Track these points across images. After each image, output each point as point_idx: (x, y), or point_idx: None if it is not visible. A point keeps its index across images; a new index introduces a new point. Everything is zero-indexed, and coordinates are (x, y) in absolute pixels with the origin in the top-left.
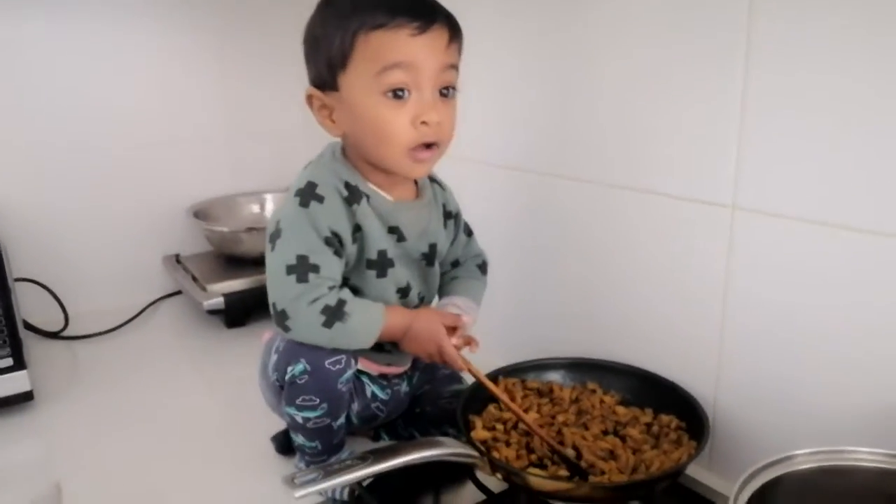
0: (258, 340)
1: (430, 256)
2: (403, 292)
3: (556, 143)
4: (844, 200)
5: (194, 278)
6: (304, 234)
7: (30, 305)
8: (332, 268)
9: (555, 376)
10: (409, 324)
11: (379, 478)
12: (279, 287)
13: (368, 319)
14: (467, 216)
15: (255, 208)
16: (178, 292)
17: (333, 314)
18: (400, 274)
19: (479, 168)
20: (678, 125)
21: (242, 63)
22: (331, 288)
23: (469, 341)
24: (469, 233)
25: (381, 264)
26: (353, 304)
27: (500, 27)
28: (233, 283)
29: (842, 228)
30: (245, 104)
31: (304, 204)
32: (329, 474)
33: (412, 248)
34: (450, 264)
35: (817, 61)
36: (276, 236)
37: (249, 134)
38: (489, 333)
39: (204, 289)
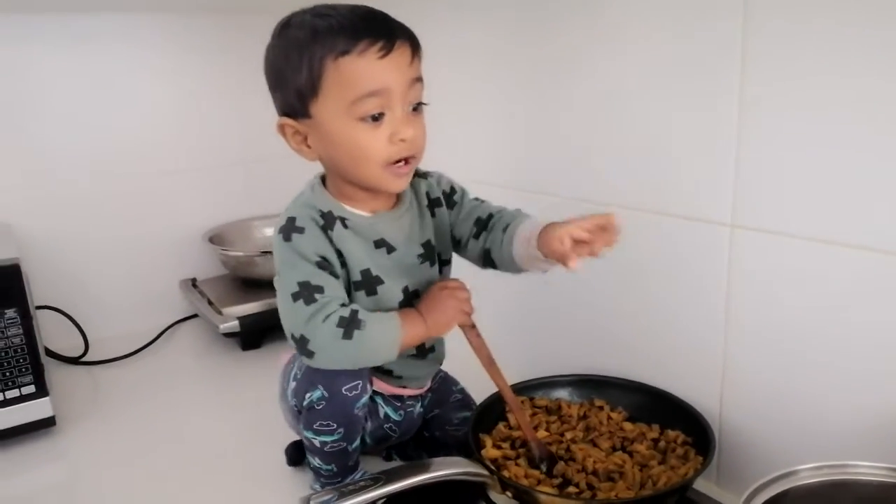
0: (273, 362)
1: (427, 255)
2: (406, 302)
3: (554, 161)
4: (844, 217)
5: (210, 302)
6: (297, 264)
7: (51, 332)
8: (336, 287)
9: (562, 393)
10: (422, 314)
11: (391, 498)
12: (291, 316)
13: (386, 324)
14: None
15: (269, 232)
16: (195, 316)
17: (350, 324)
18: (393, 289)
19: (476, 188)
20: (676, 144)
21: (255, 89)
22: (341, 305)
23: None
24: (479, 199)
25: (368, 283)
26: (367, 313)
27: (493, 45)
28: (248, 306)
29: (841, 245)
30: (258, 129)
31: (287, 238)
32: (343, 495)
33: (404, 255)
34: (476, 228)
35: (815, 77)
36: (277, 277)
37: (262, 158)
38: (498, 352)
39: (220, 312)
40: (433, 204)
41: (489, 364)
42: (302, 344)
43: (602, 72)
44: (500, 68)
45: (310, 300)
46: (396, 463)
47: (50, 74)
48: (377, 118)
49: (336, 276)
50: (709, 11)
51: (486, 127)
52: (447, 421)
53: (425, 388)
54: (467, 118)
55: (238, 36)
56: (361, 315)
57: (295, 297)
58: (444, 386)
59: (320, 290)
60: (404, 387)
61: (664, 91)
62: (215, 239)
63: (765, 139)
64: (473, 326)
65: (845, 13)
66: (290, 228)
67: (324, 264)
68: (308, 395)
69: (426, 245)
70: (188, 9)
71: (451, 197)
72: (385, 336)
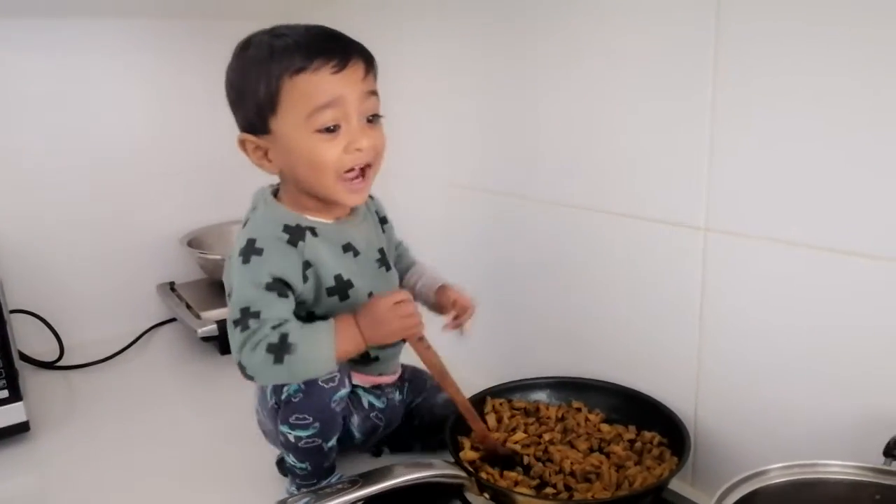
0: None
1: (383, 260)
2: None
3: (532, 167)
4: (818, 220)
5: (188, 306)
6: (245, 290)
7: (25, 336)
8: (276, 309)
9: (541, 396)
10: (360, 328)
11: (369, 500)
12: (231, 341)
13: (318, 345)
14: (448, 240)
15: None
16: (173, 320)
17: (279, 349)
18: (361, 291)
19: (457, 192)
20: (650, 147)
21: None
22: (274, 328)
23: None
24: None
25: (341, 288)
26: (297, 334)
27: (470, 51)
28: (226, 310)
29: (815, 248)
30: (235, 132)
31: (246, 261)
32: (320, 498)
33: (367, 258)
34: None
35: (787, 81)
36: (228, 298)
37: (240, 162)
38: (476, 354)
39: (198, 316)
40: (382, 221)
41: (441, 376)
42: (241, 369)
43: (576, 76)
44: (477, 74)
45: (244, 328)
46: (383, 461)
47: (24, 79)
48: (333, 129)
49: (286, 295)
50: (682, 15)
51: (464, 132)
52: (432, 405)
53: (398, 374)
54: (445, 124)
55: (214, 41)
56: (292, 338)
57: (235, 323)
58: (419, 375)
59: (256, 315)
60: (381, 373)
61: (638, 94)
62: (193, 242)
63: (738, 142)
64: (422, 339)
65: (820, 19)
66: (250, 251)
67: (272, 285)
68: (286, 388)
69: (381, 251)
70: (163, 14)
71: (386, 221)
72: (317, 356)
